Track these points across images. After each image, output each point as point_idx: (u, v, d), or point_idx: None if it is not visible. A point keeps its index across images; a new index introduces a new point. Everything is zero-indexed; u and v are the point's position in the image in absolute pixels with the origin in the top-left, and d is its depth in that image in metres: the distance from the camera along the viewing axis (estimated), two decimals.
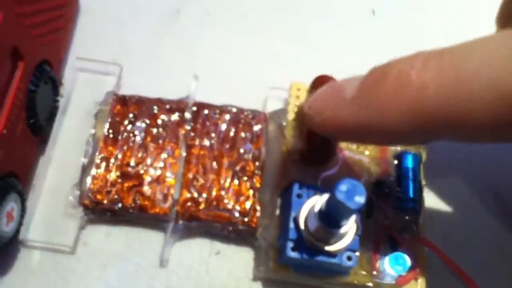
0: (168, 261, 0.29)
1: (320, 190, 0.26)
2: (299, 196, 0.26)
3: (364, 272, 0.27)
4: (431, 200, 0.31)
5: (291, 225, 0.25)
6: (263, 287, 0.29)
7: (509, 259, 0.30)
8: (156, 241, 0.29)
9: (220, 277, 0.29)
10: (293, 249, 0.25)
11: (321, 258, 0.25)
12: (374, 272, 0.27)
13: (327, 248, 0.24)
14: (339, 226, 0.23)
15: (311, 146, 0.28)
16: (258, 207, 0.29)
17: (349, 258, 0.25)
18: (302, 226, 0.25)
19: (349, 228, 0.24)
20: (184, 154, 0.30)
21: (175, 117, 0.31)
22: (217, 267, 0.29)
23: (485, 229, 0.31)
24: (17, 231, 0.27)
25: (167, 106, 0.31)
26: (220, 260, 0.29)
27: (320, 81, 0.29)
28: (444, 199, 0.32)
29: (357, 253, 0.25)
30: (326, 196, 0.24)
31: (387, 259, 0.27)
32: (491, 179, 0.32)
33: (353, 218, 0.24)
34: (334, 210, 0.23)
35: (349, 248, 0.25)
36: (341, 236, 0.24)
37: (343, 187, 0.21)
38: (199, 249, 0.29)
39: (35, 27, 0.28)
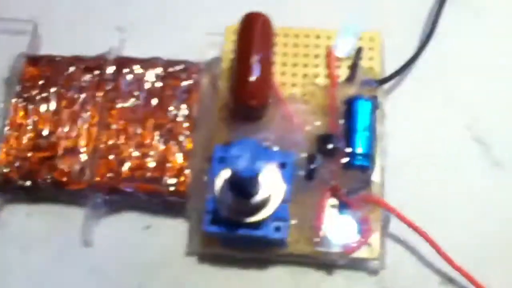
0: (92, 240, 0.26)
1: (246, 151, 0.22)
2: (222, 160, 0.22)
3: (305, 241, 0.23)
4: (395, 153, 0.27)
5: (210, 195, 0.22)
6: (198, 263, 0.25)
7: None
8: (79, 218, 0.26)
9: (151, 253, 0.26)
10: (212, 222, 0.21)
11: (243, 231, 0.21)
12: (317, 240, 0.23)
13: (248, 220, 0.21)
14: (250, 195, 0.20)
15: (237, 96, 0.24)
16: (188, 174, 0.25)
17: (277, 229, 0.21)
18: (217, 195, 0.21)
19: (271, 194, 0.20)
20: (103, 118, 0.27)
21: (93, 76, 0.27)
22: (148, 243, 0.26)
23: (465, 182, 0.27)
24: None
25: (85, 65, 0.27)
26: (151, 235, 0.26)
27: (250, 19, 0.25)
28: (410, 151, 0.27)
29: (288, 222, 0.21)
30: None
31: (332, 225, 0.23)
32: (474, 123, 0.27)
33: (273, 182, 0.20)
34: (234, 179, 0.19)
35: (277, 217, 0.21)
36: (262, 205, 0.21)
37: (234, 152, 0.17)
38: (128, 224, 0.26)
39: None
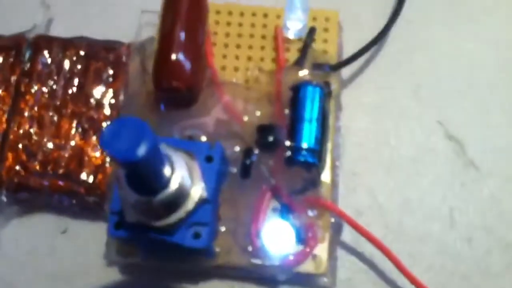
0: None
1: (175, 143, 0.19)
2: None
3: (239, 251, 0.20)
4: (354, 151, 0.23)
5: (115, 193, 0.18)
6: (120, 274, 0.22)
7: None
8: None
9: (67, 261, 0.22)
10: (117, 226, 0.18)
11: (154, 236, 0.17)
12: (252, 250, 0.20)
13: (156, 223, 0.17)
14: (149, 190, 0.16)
15: (157, 77, 0.20)
16: (108, 171, 0.22)
17: (196, 235, 0.18)
18: (122, 193, 0.17)
19: (188, 194, 0.17)
20: (15, 103, 0.23)
21: (8, 56, 0.24)
22: (64, 248, 0.22)
23: (431, 187, 0.23)
24: None
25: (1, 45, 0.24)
26: (67, 240, 0.23)
27: None
28: (369, 148, 0.23)
29: (210, 228, 0.18)
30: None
31: (271, 232, 0.20)
32: (443, 117, 0.24)
33: (192, 179, 0.17)
34: (124, 168, 0.15)
35: (195, 221, 0.17)
36: (175, 206, 0.17)
37: (108, 131, 0.13)
38: (42, 227, 0.23)
39: None
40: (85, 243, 0.22)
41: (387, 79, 0.24)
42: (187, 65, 0.20)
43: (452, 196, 0.23)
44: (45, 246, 0.22)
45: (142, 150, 0.13)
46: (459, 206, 0.23)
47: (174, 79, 0.19)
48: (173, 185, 0.16)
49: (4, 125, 0.23)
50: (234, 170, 0.20)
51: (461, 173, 0.23)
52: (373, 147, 0.23)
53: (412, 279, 0.20)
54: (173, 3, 0.21)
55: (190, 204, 0.17)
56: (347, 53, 0.23)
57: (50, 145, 0.22)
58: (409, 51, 0.25)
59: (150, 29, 0.25)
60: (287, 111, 0.21)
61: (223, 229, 0.20)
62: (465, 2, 0.26)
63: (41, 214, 0.23)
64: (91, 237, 0.22)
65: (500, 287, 0.22)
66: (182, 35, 0.20)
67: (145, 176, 0.15)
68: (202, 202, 0.17)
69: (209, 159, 0.18)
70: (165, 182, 0.16)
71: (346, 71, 0.24)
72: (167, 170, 0.16)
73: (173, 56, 0.19)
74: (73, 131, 0.22)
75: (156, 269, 0.21)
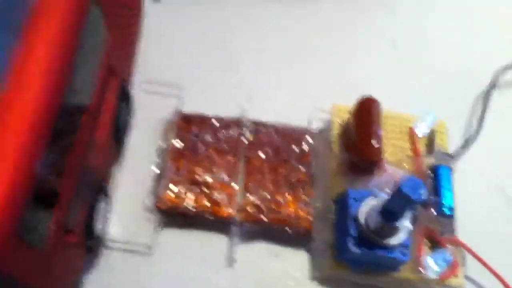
0: (234, 261, 0.32)
1: (371, 194, 0.30)
2: (355, 199, 0.30)
3: (411, 269, 0.31)
4: (463, 207, 0.35)
5: (352, 224, 0.29)
6: (320, 286, 0.32)
7: None
8: (222, 243, 0.32)
9: (280, 277, 0.32)
10: (354, 245, 0.29)
11: (379, 252, 0.28)
12: (420, 269, 0.31)
13: (385, 242, 0.28)
14: (397, 220, 0.27)
15: (365, 154, 0.32)
16: (312, 212, 0.33)
17: (403, 253, 0.29)
18: (362, 223, 0.29)
19: (403, 225, 0.28)
20: (244, 165, 0.34)
21: (234, 132, 0.35)
22: (277, 268, 0.32)
23: None
24: (104, 231, 0.30)
25: (226, 123, 0.35)
26: (279, 262, 0.33)
27: (364, 103, 0.34)
28: (474, 205, 0.35)
29: (409, 249, 0.29)
30: (384, 196, 0.29)
31: (432, 256, 0.31)
32: None
33: (407, 217, 0.28)
34: (397, 204, 0.27)
35: (402, 244, 0.29)
36: (396, 233, 0.28)
37: (408, 182, 0.25)
38: (260, 251, 0.33)
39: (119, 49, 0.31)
40: (292, 264, 0.33)
41: (481, 163, 0.37)
42: (378, 147, 0.32)
43: None
44: (264, 264, 0.32)
45: (423, 195, 0.25)
46: None
47: (375, 156, 0.32)
48: (404, 220, 0.28)
49: (241, 181, 0.33)
50: None
51: None
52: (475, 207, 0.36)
53: None
54: (367, 108, 0.33)
55: (404, 234, 0.28)
56: (451, 145, 0.37)
57: (272, 194, 0.33)
58: (493, 146, 0.38)
59: (317, 120, 0.37)
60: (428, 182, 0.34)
61: None
62: None
63: (260, 242, 0.33)
64: (295, 260, 0.33)
65: None
66: (374, 129, 0.33)
67: (402, 209, 0.27)
68: (409, 233, 0.29)
69: None
70: (402, 216, 0.27)
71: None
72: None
73: (373, 143, 0.32)
74: (285, 185, 0.33)
75: (349, 282, 0.32)
